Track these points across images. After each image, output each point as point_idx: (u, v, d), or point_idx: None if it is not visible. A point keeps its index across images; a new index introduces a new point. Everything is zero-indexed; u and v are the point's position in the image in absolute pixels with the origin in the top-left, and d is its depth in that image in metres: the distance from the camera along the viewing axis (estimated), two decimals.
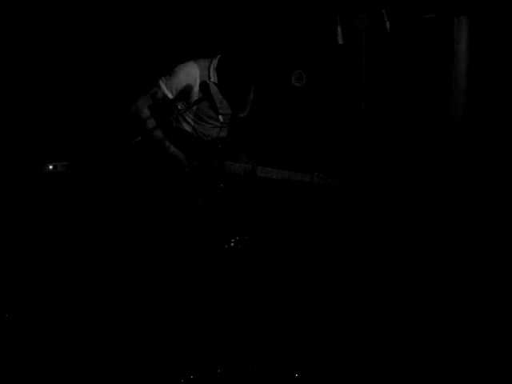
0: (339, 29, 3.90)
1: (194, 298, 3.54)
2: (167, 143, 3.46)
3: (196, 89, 3.40)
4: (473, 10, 3.40)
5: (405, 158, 3.90)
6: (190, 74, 3.42)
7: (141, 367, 3.22)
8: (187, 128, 3.55)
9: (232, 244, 3.82)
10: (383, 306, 3.61)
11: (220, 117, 3.45)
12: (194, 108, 3.45)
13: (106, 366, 3.22)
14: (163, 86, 3.44)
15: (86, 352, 3.29)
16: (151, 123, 3.42)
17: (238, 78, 3.42)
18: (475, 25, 3.45)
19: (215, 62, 3.45)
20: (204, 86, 3.38)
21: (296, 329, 3.53)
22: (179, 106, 3.50)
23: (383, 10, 3.67)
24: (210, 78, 3.42)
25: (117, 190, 4.06)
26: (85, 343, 3.36)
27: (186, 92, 3.42)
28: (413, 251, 3.79)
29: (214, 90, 3.45)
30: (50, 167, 4.39)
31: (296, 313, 3.68)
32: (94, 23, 4.40)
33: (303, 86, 4.30)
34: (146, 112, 3.44)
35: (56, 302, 3.70)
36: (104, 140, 4.21)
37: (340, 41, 3.92)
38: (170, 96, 3.44)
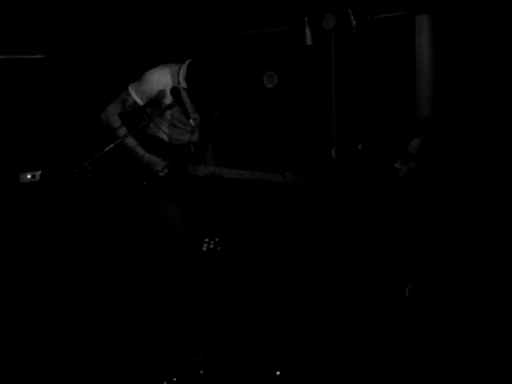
0: (307, 30, 3.94)
1: (174, 300, 3.57)
2: (140, 150, 3.48)
3: (167, 94, 3.41)
4: (434, 9, 3.48)
5: (376, 156, 3.96)
6: (160, 79, 3.42)
7: (120, 372, 3.25)
8: (159, 133, 3.57)
9: (211, 246, 3.85)
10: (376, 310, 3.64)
11: (191, 121, 3.48)
12: (167, 113, 3.47)
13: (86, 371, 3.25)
14: (133, 93, 3.44)
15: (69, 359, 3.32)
16: (122, 130, 3.43)
17: (208, 83, 3.43)
18: (437, 23, 3.53)
19: (184, 67, 3.46)
20: (175, 91, 3.40)
21: (277, 329, 3.57)
22: (150, 112, 3.51)
23: (349, 10, 3.71)
24: (179, 84, 3.43)
25: (91, 197, 4.08)
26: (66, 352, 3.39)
27: (156, 98, 3.43)
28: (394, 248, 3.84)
29: (183, 95, 3.47)
30: (28, 176, 4.39)
31: (277, 313, 3.72)
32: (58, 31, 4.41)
33: (275, 87, 4.34)
34: (116, 119, 3.44)
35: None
36: (77, 148, 4.23)
37: (309, 41, 3.96)
38: (141, 102, 3.45)
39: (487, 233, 3.29)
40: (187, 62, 3.48)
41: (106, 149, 3.03)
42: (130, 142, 3.44)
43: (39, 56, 4.46)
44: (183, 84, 3.42)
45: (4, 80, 4.34)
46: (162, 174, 3.47)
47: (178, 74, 3.44)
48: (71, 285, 3.91)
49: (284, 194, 3.97)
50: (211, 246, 3.86)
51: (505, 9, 3.27)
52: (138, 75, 3.50)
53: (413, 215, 3.52)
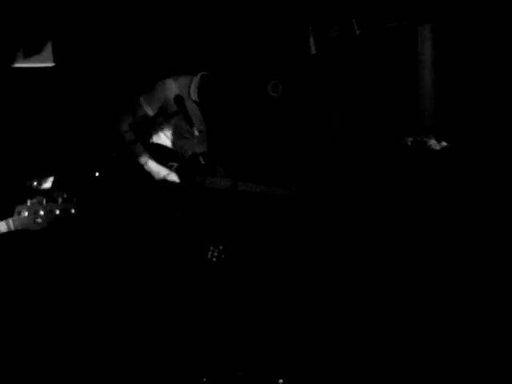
0: (312, 39, 3.97)
1: (178, 306, 3.58)
2: (147, 157, 3.51)
3: (172, 103, 3.44)
4: (436, 19, 3.51)
5: (379, 164, 3.98)
6: (170, 91, 3.45)
7: (122, 379, 3.25)
8: (167, 143, 3.60)
9: (215, 254, 3.86)
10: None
11: (195, 130, 3.51)
12: (172, 122, 3.50)
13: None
14: (144, 104, 3.48)
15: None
16: (130, 138, 3.47)
17: (220, 99, 3.45)
18: (438, 31, 3.56)
19: (196, 80, 3.48)
20: (178, 99, 3.42)
21: (280, 336, 3.57)
22: (159, 122, 3.55)
23: (353, 20, 3.74)
24: (190, 96, 3.46)
25: (98, 203, 4.11)
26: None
27: (166, 109, 3.46)
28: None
29: (192, 106, 3.49)
30: (35, 183, 4.41)
31: (281, 320, 3.72)
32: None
33: (280, 96, 4.36)
34: (125, 128, 3.49)
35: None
36: (85, 155, 4.25)
37: (313, 50, 3.99)
38: (151, 113, 3.48)
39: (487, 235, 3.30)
40: (199, 75, 3.50)
41: (112, 155, 3.06)
42: (139, 149, 3.48)
43: (50, 65, 4.51)
44: (194, 97, 3.44)
45: (14, 88, 4.39)
46: (167, 178, 3.49)
47: (190, 86, 3.46)
48: (74, 288, 3.93)
49: (289, 205, 3.99)
50: (216, 254, 3.87)
51: (504, 19, 3.30)
52: (149, 85, 3.54)
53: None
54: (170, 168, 3.53)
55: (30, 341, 3.43)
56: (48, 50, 4.46)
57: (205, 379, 3.25)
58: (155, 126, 3.50)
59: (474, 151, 3.47)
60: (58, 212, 2.21)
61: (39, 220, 2.18)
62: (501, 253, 3.37)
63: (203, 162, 3.62)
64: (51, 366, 3.26)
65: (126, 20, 4.45)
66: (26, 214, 2.18)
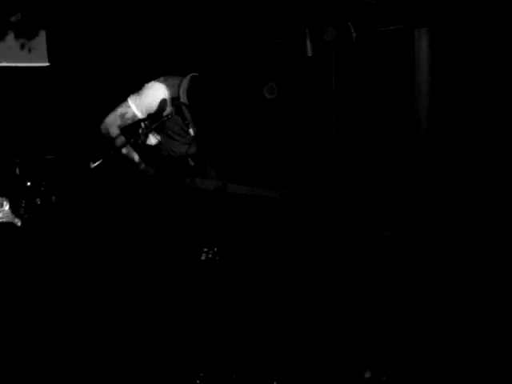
0: (308, 41, 3.98)
1: (171, 308, 3.57)
2: (138, 160, 3.48)
3: (167, 107, 3.41)
4: (432, 22, 3.53)
5: (375, 168, 3.99)
6: (160, 92, 3.41)
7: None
8: (157, 145, 3.58)
9: (209, 255, 3.85)
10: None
11: (190, 130, 3.49)
12: (163, 124, 3.47)
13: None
14: (133, 106, 3.42)
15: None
16: (120, 140, 3.43)
17: (210, 101, 3.43)
18: (435, 35, 3.58)
19: (185, 82, 3.45)
20: (176, 101, 3.41)
21: (274, 339, 3.57)
22: (149, 124, 3.51)
23: (350, 23, 3.75)
24: (179, 98, 3.43)
25: (88, 205, 4.10)
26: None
27: (156, 111, 3.42)
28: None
29: (183, 108, 3.47)
30: (28, 184, 4.39)
31: (275, 323, 3.72)
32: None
33: (275, 98, 4.36)
34: (114, 130, 3.45)
35: None
36: (75, 156, 4.24)
37: (309, 53, 4.00)
38: (140, 116, 3.43)
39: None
40: (188, 76, 3.47)
41: (104, 158, 3.04)
42: (129, 151, 3.46)
43: (43, 64, 4.49)
44: (183, 99, 3.42)
45: (6, 87, 4.37)
46: (157, 179, 3.48)
47: (179, 87, 3.43)
48: (70, 290, 3.91)
49: (281, 208, 3.99)
50: (209, 256, 3.86)
51: (499, 22, 3.32)
52: (138, 86, 3.51)
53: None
54: (161, 170, 3.52)
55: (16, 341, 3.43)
56: (42, 49, 4.45)
57: (198, 381, 3.24)
58: (145, 127, 3.46)
59: (470, 154, 3.50)
60: (38, 202, 2.21)
61: (22, 211, 2.17)
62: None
63: (193, 164, 3.60)
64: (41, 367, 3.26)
65: (116, 22, 4.45)
66: (8, 207, 2.17)
